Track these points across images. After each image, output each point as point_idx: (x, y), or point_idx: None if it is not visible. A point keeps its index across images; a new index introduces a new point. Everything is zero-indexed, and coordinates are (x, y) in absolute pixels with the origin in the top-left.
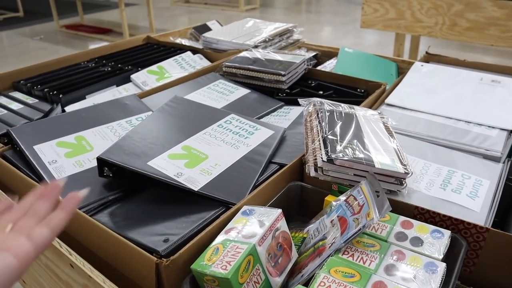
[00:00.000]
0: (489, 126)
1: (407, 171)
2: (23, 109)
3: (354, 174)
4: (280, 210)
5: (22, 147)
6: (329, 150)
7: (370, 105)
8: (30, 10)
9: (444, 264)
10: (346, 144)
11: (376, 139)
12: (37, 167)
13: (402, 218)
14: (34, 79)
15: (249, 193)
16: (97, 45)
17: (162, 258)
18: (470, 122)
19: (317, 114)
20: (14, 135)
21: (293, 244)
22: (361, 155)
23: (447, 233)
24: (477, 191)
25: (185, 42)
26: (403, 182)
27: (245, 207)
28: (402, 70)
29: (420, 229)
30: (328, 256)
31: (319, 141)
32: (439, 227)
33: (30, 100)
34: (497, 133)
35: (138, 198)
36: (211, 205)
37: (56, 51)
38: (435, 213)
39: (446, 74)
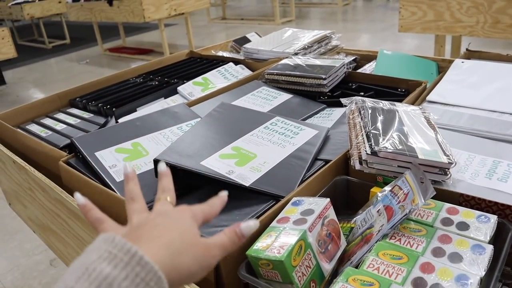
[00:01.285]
0: None
1: (451, 161)
2: (80, 123)
3: (398, 166)
4: (328, 199)
5: (85, 154)
6: (372, 144)
7: (411, 102)
8: (76, 37)
9: (491, 246)
10: (389, 137)
11: (418, 132)
12: (99, 171)
13: (447, 205)
14: (89, 96)
15: (297, 187)
16: (139, 65)
17: None
18: None
19: (359, 112)
20: (77, 144)
21: (341, 233)
22: (404, 147)
23: (493, 217)
24: None
25: (226, 54)
26: (448, 172)
27: (294, 199)
28: (442, 69)
29: (466, 214)
30: (376, 242)
31: (363, 135)
32: (485, 213)
33: (86, 115)
34: None
35: (192, 196)
36: (262, 199)
37: (101, 73)
38: (481, 199)
39: (488, 69)
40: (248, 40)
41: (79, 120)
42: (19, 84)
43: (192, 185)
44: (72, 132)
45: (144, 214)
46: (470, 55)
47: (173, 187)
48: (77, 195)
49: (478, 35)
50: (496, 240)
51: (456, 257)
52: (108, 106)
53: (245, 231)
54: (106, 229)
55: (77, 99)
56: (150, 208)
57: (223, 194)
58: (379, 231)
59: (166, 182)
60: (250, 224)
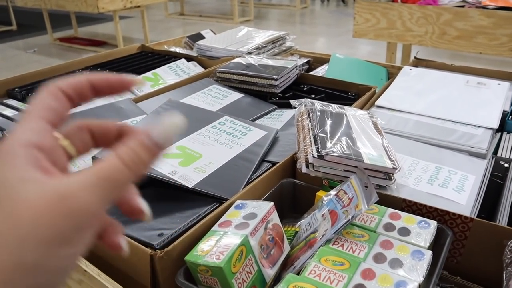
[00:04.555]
0: (475, 125)
1: (395, 166)
2: (18, 115)
3: (344, 170)
4: (272, 203)
5: None
6: (319, 147)
7: (360, 107)
8: (24, 24)
9: (430, 252)
10: (336, 141)
11: (365, 137)
12: None
13: (390, 210)
14: (29, 86)
15: (242, 189)
16: (87, 56)
17: (157, 250)
18: (457, 122)
19: (308, 114)
20: None
21: (285, 237)
22: (351, 151)
23: (433, 223)
24: (463, 186)
25: (179, 50)
26: (392, 177)
27: (238, 201)
28: (392, 75)
29: (407, 220)
30: (319, 247)
31: (310, 138)
32: (426, 218)
33: (24, 106)
34: (483, 132)
35: None
36: (205, 201)
37: (50, 64)
38: (422, 205)
39: (434, 77)
40: (202, 37)
41: (16, 112)
42: None
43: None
44: (8, 125)
45: None
46: (418, 63)
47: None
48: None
49: (426, 44)
50: (436, 244)
51: (396, 263)
52: None
53: (161, 137)
54: None
55: (16, 89)
56: None
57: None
58: (323, 235)
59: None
60: (171, 123)
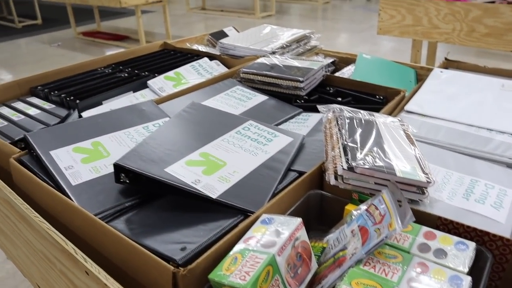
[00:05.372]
0: None
1: (429, 180)
2: (40, 114)
3: (375, 183)
4: (300, 219)
5: (39, 152)
6: (349, 158)
7: (390, 112)
8: (48, 18)
9: (469, 278)
10: (367, 152)
11: (397, 147)
12: (53, 172)
13: (425, 228)
14: (52, 84)
15: (268, 201)
16: (113, 51)
17: (179, 267)
18: (492, 130)
19: (337, 121)
20: (30, 140)
21: (313, 254)
22: (382, 163)
23: (472, 245)
24: (502, 202)
25: (201, 48)
26: (425, 191)
27: (264, 216)
28: (420, 77)
29: (443, 240)
30: (349, 267)
31: (339, 148)
32: (463, 238)
33: (47, 105)
34: None
35: (155, 205)
36: (230, 213)
37: (73, 58)
38: (459, 224)
39: (467, 81)
40: (225, 35)
41: (38, 111)
42: None
43: (155, 192)
44: (30, 124)
45: None
46: (449, 64)
47: None
48: None
49: (453, 42)
50: (473, 267)
51: None
52: (72, 97)
53: None
54: None
55: (39, 87)
56: (112, 215)
57: None
58: (353, 254)
59: None
60: None
